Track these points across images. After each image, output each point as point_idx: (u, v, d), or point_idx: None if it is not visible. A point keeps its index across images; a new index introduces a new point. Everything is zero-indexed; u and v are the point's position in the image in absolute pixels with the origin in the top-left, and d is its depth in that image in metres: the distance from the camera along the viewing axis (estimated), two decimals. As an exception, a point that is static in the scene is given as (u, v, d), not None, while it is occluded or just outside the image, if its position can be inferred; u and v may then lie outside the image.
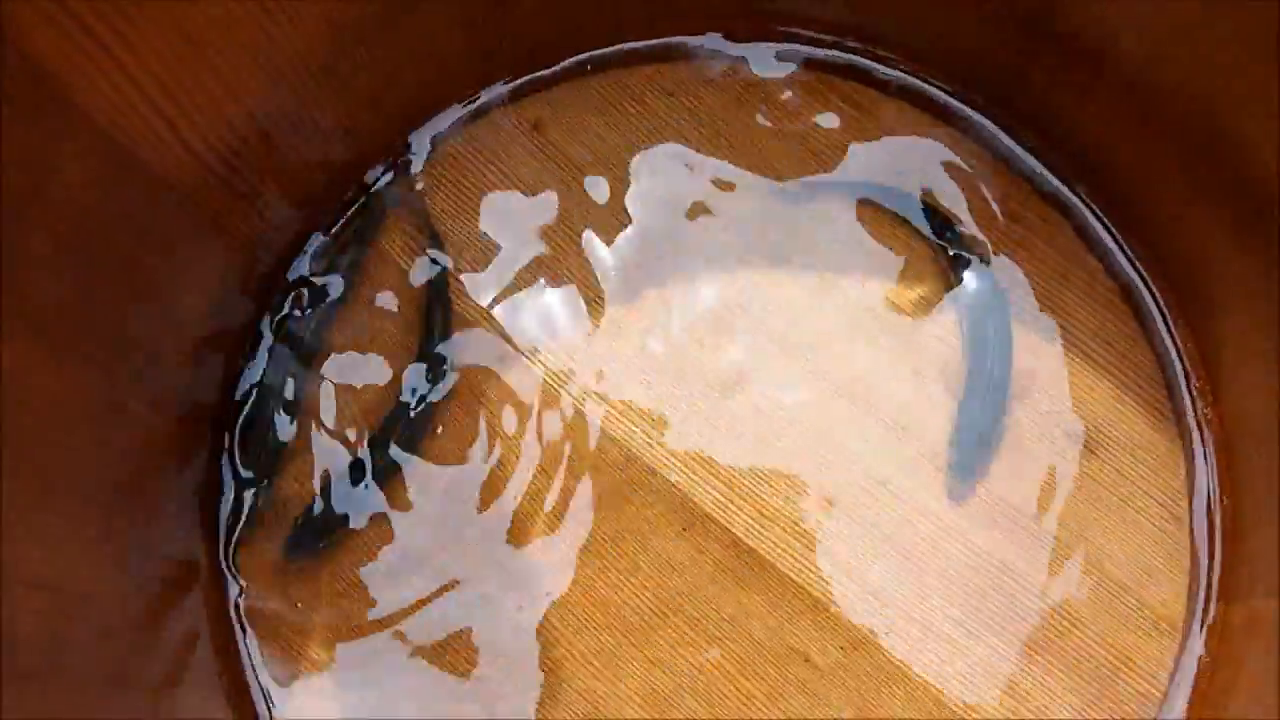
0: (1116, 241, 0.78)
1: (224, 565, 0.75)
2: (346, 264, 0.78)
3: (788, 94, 0.80)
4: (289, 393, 0.77)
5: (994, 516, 0.76)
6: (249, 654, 0.74)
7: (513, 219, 0.79)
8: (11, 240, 0.54)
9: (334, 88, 0.71)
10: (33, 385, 0.57)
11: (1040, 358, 0.77)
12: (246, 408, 0.76)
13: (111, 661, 0.64)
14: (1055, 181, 0.79)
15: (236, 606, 0.75)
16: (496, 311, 0.78)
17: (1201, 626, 0.74)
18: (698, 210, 0.79)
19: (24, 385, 0.56)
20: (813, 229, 0.79)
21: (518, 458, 0.77)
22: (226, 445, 0.76)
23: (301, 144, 0.72)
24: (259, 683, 0.74)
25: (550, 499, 0.76)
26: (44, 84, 0.55)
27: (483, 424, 0.77)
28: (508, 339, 0.78)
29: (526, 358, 0.78)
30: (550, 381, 0.77)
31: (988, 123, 0.79)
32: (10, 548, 0.56)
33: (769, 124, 0.80)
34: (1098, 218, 0.78)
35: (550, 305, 0.78)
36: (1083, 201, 0.78)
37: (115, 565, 0.66)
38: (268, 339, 0.77)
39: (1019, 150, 0.79)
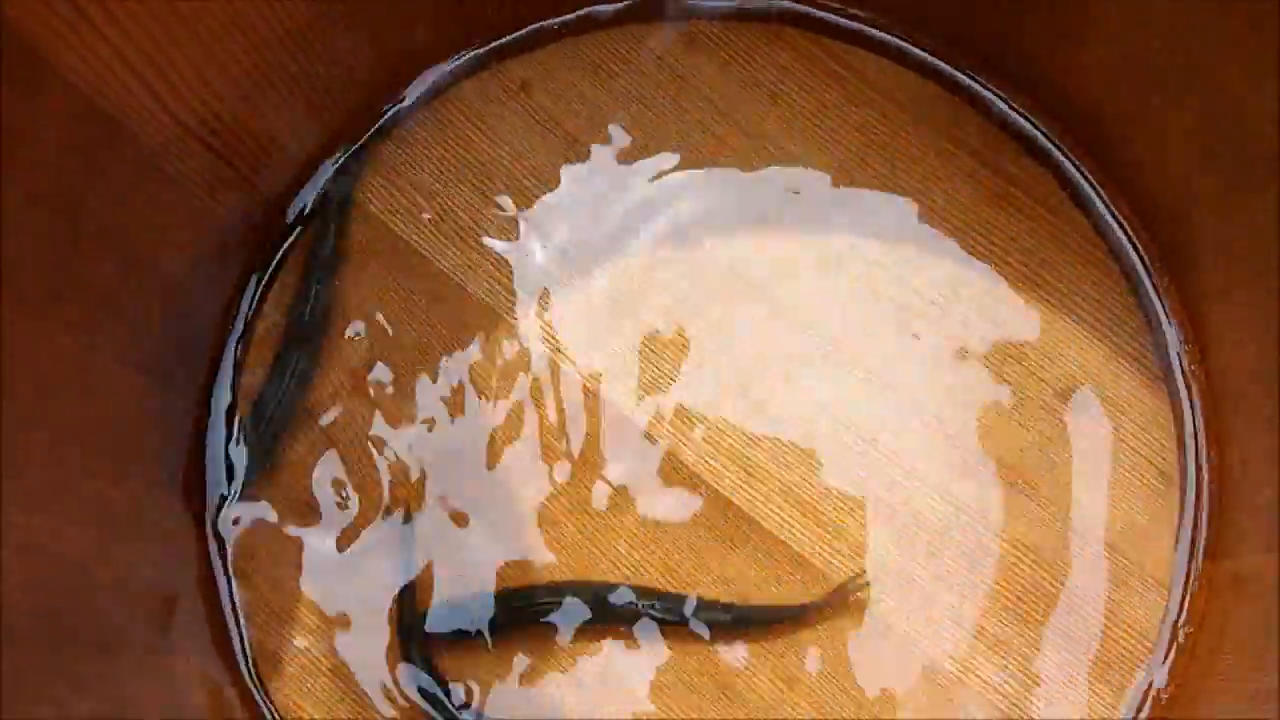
0: (1103, 200, 0.77)
1: (211, 529, 0.76)
2: (334, 232, 0.78)
3: (777, 55, 0.80)
4: (291, 365, 0.77)
5: (984, 476, 0.76)
6: (238, 617, 0.75)
7: (500, 181, 0.79)
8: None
9: (317, 52, 0.70)
10: (13, 348, 0.57)
11: (1029, 316, 0.77)
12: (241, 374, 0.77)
13: (99, 626, 0.65)
14: (1044, 140, 0.78)
15: (225, 569, 0.75)
16: (485, 278, 0.78)
17: (1189, 584, 0.74)
18: (692, 175, 0.79)
19: (3, 348, 0.57)
20: (804, 196, 0.79)
21: (508, 415, 0.77)
22: (223, 414, 0.77)
23: (285, 110, 0.72)
24: (247, 646, 0.75)
25: (533, 452, 0.77)
26: (25, 51, 0.55)
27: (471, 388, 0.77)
28: (500, 306, 0.78)
29: (516, 322, 0.78)
30: (539, 343, 0.78)
31: (975, 83, 0.79)
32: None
33: (758, 86, 0.80)
34: (1085, 177, 0.78)
35: (540, 270, 0.78)
36: (1070, 161, 0.78)
37: (102, 529, 0.66)
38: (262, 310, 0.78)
39: (1008, 109, 0.79)
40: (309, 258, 0.78)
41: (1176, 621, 0.74)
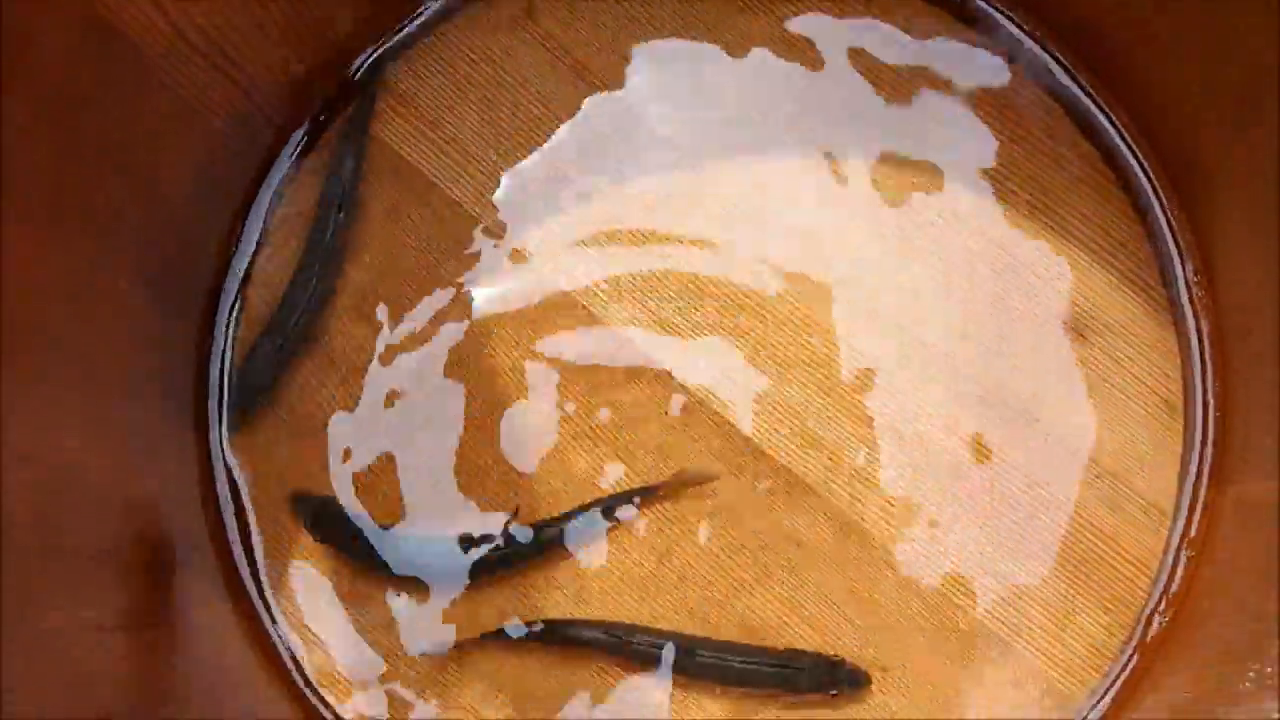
0: (1114, 126, 0.77)
1: (217, 448, 0.76)
2: (352, 152, 0.78)
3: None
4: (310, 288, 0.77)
5: (988, 404, 0.76)
6: (245, 534, 0.76)
7: (507, 109, 0.79)
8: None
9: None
10: (14, 262, 0.58)
11: (1035, 244, 0.77)
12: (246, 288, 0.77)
13: (105, 542, 0.65)
14: (1052, 65, 0.78)
15: (230, 486, 0.76)
16: (493, 206, 0.78)
17: (1191, 512, 0.74)
18: (701, 110, 0.79)
19: (4, 262, 0.57)
20: (805, 117, 0.79)
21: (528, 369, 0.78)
22: (229, 335, 0.77)
23: (288, 28, 0.72)
24: (256, 562, 0.76)
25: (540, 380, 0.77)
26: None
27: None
28: (505, 233, 0.78)
29: (538, 266, 0.78)
30: (560, 284, 0.78)
31: (983, 4, 0.78)
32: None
33: (761, 8, 0.79)
34: (1094, 102, 0.77)
35: (551, 203, 0.78)
36: (1079, 86, 0.77)
37: (106, 445, 0.67)
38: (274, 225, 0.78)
39: (1015, 32, 0.78)
40: (327, 182, 0.78)
41: (1178, 547, 0.74)
